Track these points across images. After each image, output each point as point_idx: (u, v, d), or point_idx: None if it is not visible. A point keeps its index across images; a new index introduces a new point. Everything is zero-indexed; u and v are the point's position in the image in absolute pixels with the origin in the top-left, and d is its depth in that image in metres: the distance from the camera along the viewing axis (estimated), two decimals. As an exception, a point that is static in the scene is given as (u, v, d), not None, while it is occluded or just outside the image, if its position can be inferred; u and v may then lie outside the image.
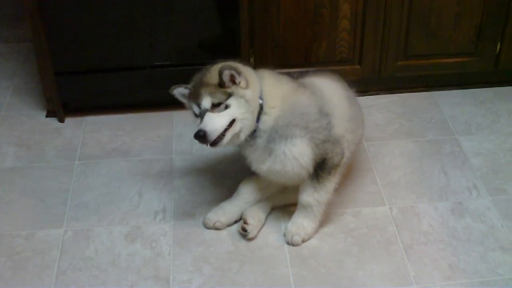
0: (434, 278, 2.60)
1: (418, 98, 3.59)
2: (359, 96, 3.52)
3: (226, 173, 3.09)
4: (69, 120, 3.47)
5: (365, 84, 3.52)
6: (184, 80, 3.41)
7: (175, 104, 3.48)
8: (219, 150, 3.22)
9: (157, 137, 3.35)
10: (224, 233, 2.80)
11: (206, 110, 2.55)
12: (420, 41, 3.46)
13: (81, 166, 3.17)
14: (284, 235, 2.78)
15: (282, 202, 2.89)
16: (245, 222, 2.77)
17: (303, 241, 2.75)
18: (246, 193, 2.84)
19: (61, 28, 3.25)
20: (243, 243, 2.76)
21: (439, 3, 3.35)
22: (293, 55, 3.43)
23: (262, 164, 2.69)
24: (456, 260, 2.67)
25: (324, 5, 3.31)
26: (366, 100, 3.55)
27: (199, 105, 2.58)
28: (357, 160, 3.10)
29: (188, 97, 2.67)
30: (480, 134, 3.33)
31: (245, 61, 3.33)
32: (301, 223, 2.75)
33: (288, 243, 2.75)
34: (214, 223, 2.80)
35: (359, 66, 3.49)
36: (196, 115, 2.62)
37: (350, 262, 2.67)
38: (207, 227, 2.82)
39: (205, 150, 3.24)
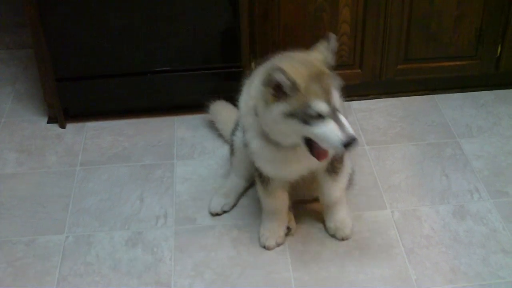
0: (436, 281, 2.60)
1: (419, 102, 3.59)
2: (360, 100, 3.55)
3: (227, 178, 3.09)
4: (70, 126, 3.47)
5: (365, 88, 3.52)
6: (184, 85, 3.43)
7: (176, 109, 3.52)
8: (219, 154, 3.23)
9: (158, 142, 3.35)
10: (225, 238, 2.80)
11: (336, 109, 2.24)
12: (421, 45, 3.46)
13: (82, 172, 3.17)
14: (334, 235, 2.78)
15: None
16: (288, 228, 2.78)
17: (351, 230, 2.77)
18: (283, 209, 2.75)
19: (61, 34, 3.25)
20: (244, 248, 2.76)
21: (439, 6, 3.35)
22: (293, 59, 3.43)
23: (297, 163, 2.50)
24: (458, 263, 2.66)
25: (324, 9, 3.31)
26: (367, 104, 3.55)
27: (329, 102, 2.22)
28: (358, 164, 3.10)
29: (303, 91, 2.22)
30: (481, 137, 3.33)
31: (247, 66, 3.36)
32: (341, 217, 2.76)
33: (342, 239, 2.76)
34: (276, 241, 2.75)
35: (359, 70, 3.49)
36: (310, 116, 2.22)
37: (351, 266, 2.67)
38: (269, 248, 2.74)
39: (206, 155, 3.25)
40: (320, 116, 2.21)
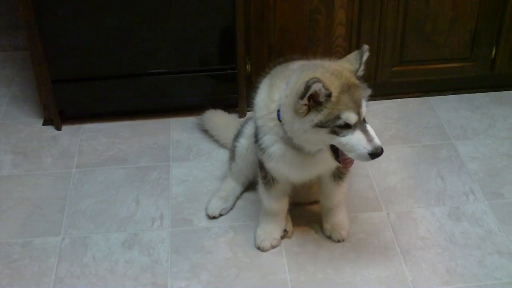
0: (432, 282, 2.60)
1: (414, 104, 3.60)
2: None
3: (223, 180, 3.09)
4: (66, 128, 3.47)
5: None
6: (180, 87, 3.43)
7: (171, 111, 3.52)
8: (215, 156, 3.24)
9: (154, 144, 3.35)
10: (221, 239, 2.81)
11: (364, 120, 2.27)
12: (416, 47, 3.47)
13: (78, 174, 3.17)
14: (330, 237, 2.79)
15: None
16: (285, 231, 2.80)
17: (347, 232, 2.78)
18: (283, 212, 2.77)
19: (57, 36, 3.25)
20: (240, 249, 2.76)
21: (435, 8, 3.36)
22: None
23: (304, 168, 2.51)
24: (454, 264, 2.67)
25: (320, 11, 3.32)
26: (362, 106, 3.56)
27: (358, 113, 2.25)
28: (354, 165, 3.09)
29: (335, 102, 2.23)
30: (476, 139, 3.34)
31: (242, 68, 3.37)
32: (339, 219, 2.77)
33: (338, 241, 2.77)
34: (271, 243, 2.76)
35: (355, 72, 3.49)
36: (339, 126, 2.24)
37: (347, 268, 2.67)
38: (264, 250, 2.76)
39: (202, 157, 3.25)
40: (348, 126, 2.24)
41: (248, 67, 3.40)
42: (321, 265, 2.69)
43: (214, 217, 2.90)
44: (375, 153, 2.24)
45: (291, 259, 2.71)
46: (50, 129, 3.47)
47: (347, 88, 2.25)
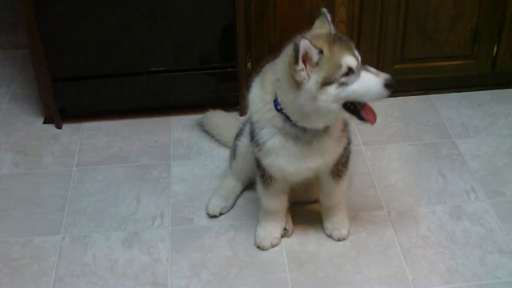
0: (432, 281, 2.60)
1: (415, 101, 3.59)
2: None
3: (224, 178, 3.08)
4: (66, 126, 3.46)
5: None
6: (180, 85, 3.43)
7: (172, 110, 3.52)
8: (215, 155, 3.23)
9: (154, 142, 3.35)
10: (222, 238, 2.80)
11: (362, 63, 2.31)
12: (417, 44, 3.46)
13: (78, 172, 3.17)
14: (330, 236, 2.79)
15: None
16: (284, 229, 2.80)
17: (348, 231, 2.78)
18: (282, 211, 2.77)
19: (57, 34, 3.25)
20: (241, 248, 2.76)
21: (435, 6, 3.36)
22: (290, 59, 3.43)
23: (303, 160, 2.49)
24: (455, 263, 2.67)
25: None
26: (363, 104, 3.55)
27: (355, 56, 2.29)
28: (355, 164, 3.10)
29: (329, 54, 2.25)
30: (478, 137, 3.33)
31: (242, 66, 3.36)
32: (339, 217, 2.77)
33: (339, 240, 2.77)
34: (271, 242, 2.76)
35: (356, 70, 3.49)
36: (345, 75, 2.25)
37: (348, 266, 2.67)
38: (264, 249, 2.76)
39: (203, 155, 3.25)
40: (352, 72, 2.25)
41: (249, 65, 3.39)
42: (321, 264, 2.68)
43: (214, 216, 2.90)
44: (389, 83, 2.27)
45: (291, 258, 2.71)
46: (51, 128, 3.46)
47: (333, 40, 2.28)
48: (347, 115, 2.34)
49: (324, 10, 2.41)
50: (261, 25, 3.33)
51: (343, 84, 2.25)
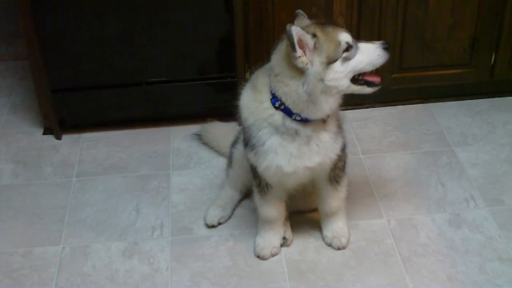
0: (433, 289, 2.60)
1: (414, 110, 3.60)
2: (355, 109, 3.56)
3: (222, 190, 3.08)
4: (66, 137, 3.47)
5: (360, 96, 3.48)
6: (179, 95, 3.44)
7: (171, 120, 3.52)
8: (215, 165, 3.23)
9: (154, 153, 3.35)
10: (222, 248, 2.80)
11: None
12: (415, 53, 3.47)
13: (78, 183, 3.17)
14: (330, 244, 2.79)
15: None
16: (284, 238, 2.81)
17: (347, 240, 2.79)
18: (280, 220, 2.77)
19: (57, 45, 3.26)
20: (241, 258, 2.76)
21: (433, 15, 3.37)
22: (288, 69, 3.44)
23: (300, 159, 2.50)
24: (454, 271, 2.67)
25: (319, 18, 3.30)
26: (362, 113, 3.56)
27: (348, 32, 2.42)
28: (354, 173, 3.10)
29: (324, 37, 2.34)
30: (477, 145, 3.34)
31: (241, 76, 3.37)
32: (339, 226, 2.78)
33: (339, 249, 2.77)
34: (271, 252, 2.76)
35: (354, 79, 3.49)
36: (346, 51, 2.36)
37: (348, 275, 2.67)
38: (264, 258, 2.76)
39: (202, 165, 3.25)
40: (351, 47, 2.37)
41: (248, 75, 3.40)
42: (321, 273, 2.68)
43: (213, 226, 2.90)
44: (387, 46, 2.42)
45: (291, 267, 2.71)
46: (50, 138, 3.47)
47: (322, 25, 2.39)
48: (356, 88, 2.43)
49: (299, 11, 2.50)
50: (260, 35, 3.34)
51: (346, 59, 2.36)
